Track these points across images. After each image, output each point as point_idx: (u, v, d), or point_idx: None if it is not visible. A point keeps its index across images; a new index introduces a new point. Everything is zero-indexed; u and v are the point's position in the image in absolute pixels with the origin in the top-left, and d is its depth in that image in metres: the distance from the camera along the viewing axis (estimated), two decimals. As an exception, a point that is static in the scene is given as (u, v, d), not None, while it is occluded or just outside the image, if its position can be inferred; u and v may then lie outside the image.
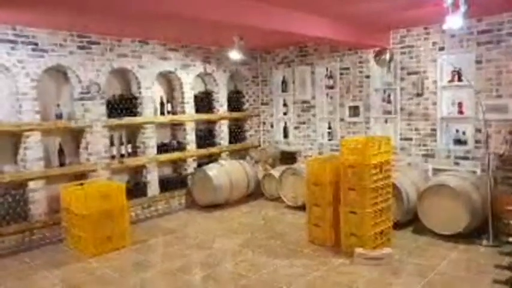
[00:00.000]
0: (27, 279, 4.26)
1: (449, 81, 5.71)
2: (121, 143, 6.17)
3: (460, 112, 5.66)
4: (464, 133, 5.65)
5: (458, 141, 5.70)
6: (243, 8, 4.30)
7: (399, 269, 4.19)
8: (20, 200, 5.11)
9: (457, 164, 5.69)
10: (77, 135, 5.76)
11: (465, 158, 5.62)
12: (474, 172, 5.47)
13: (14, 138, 5.17)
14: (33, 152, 5.14)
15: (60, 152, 5.54)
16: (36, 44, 5.13)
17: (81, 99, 5.60)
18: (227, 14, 4.20)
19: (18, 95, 5.03)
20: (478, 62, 5.39)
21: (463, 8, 3.99)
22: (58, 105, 5.54)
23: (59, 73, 5.60)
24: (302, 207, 5.74)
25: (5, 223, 4.96)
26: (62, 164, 5.52)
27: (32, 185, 5.17)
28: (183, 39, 6.48)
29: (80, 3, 4.00)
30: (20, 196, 5.12)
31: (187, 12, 3.92)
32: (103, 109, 5.82)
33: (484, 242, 4.68)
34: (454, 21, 4.10)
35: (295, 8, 4.70)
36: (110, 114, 5.93)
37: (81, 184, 5.28)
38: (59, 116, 5.50)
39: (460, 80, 5.58)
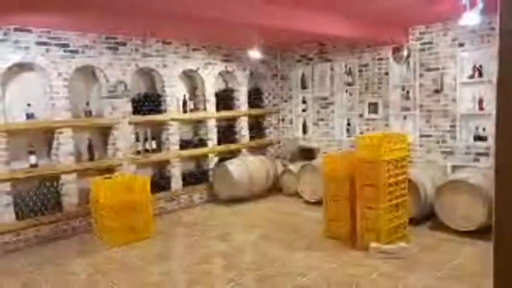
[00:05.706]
0: (61, 266, 4.59)
1: (470, 77, 5.68)
2: (146, 139, 6.46)
3: (481, 108, 5.62)
4: (484, 129, 5.61)
5: (478, 138, 5.67)
6: (264, 10, 4.47)
7: (414, 263, 4.25)
8: (53, 192, 5.47)
9: (476, 160, 5.67)
10: (104, 131, 6.08)
11: (485, 155, 5.58)
12: (494, 169, 5.42)
13: (48, 134, 5.52)
14: (65, 147, 5.48)
15: (90, 147, 5.87)
16: (67, 46, 5.45)
17: (109, 97, 5.90)
18: (249, 16, 4.38)
19: (51, 94, 5.36)
20: (499, 57, 5.33)
21: (480, 5, 4.00)
22: (87, 103, 5.87)
23: (88, 73, 5.91)
24: (320, 203, 5.86)
25: (41, 213, 5.33)
26: (91, 159, 5.85)
27: (64, 177, 5.51)
28: (205, 39, 6.69)
29: (110, 7, 4.24)
30: (53, 188, 5.47)
31: (210, 14, 4.15)
32: (129, 107, 6.11)
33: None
34: (471, 18, 4.12)
35: (315, 8, 4.80)
36: (136, 112, 6.22)
37: (109, 177, 5.59)
38: (88, 113, 5.83)
39: (480, 75, 5.55)
